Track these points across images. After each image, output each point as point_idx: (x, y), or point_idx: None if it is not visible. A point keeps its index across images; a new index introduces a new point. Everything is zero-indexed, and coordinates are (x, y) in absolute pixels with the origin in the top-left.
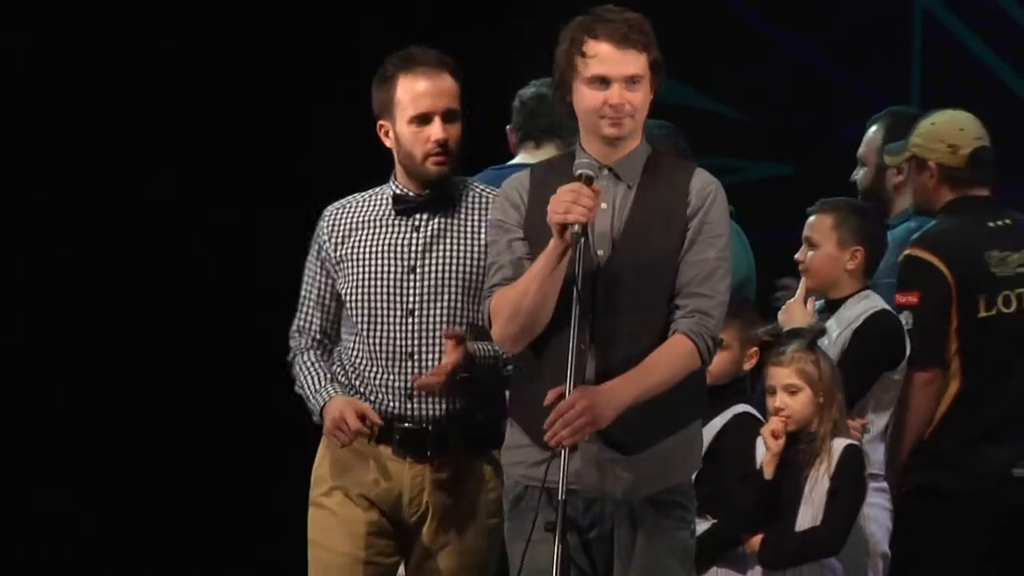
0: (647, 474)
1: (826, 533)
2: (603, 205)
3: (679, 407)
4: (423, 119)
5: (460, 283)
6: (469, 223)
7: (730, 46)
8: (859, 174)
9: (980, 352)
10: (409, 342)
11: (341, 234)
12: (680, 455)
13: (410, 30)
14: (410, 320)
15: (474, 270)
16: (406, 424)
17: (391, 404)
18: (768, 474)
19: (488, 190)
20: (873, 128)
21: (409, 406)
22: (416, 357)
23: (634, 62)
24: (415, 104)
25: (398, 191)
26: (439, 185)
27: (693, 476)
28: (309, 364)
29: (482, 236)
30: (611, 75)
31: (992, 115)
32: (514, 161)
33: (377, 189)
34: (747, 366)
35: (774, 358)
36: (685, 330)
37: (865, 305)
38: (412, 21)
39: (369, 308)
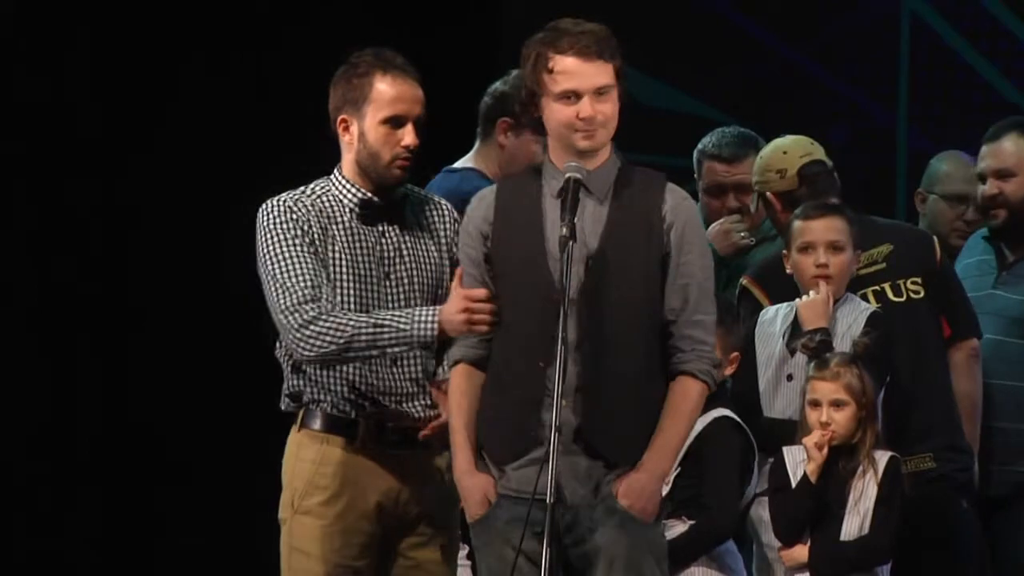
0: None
1: (879, 541)
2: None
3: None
4: (397, 121)
5: (428, 288)
6: (425, 229)
7: (718, 49)
8: (1003, 187)
9: None
10: None
11: (319, 228)
12: None
13: (399, 28)
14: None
15: (437, 275)
16: (396, 424)
17: (381, 407)
18: (814, 482)
19: (434, 197)
20: (1012, 137)
21: (400, 407)
22: (400, 362)
23: (602, 73)
24: (393, 105)
25: (361, 195)
26: (395, 189)
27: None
28: (356, 315)
29: (437, 242)
30: (581, 88)
31: (979, 117)
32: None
33: (317, 188)
34: (728, 371)
35: (817, 371)
36: (691, 371)
37: (859, 308)
38: (399, 19)
39: (346, 299)
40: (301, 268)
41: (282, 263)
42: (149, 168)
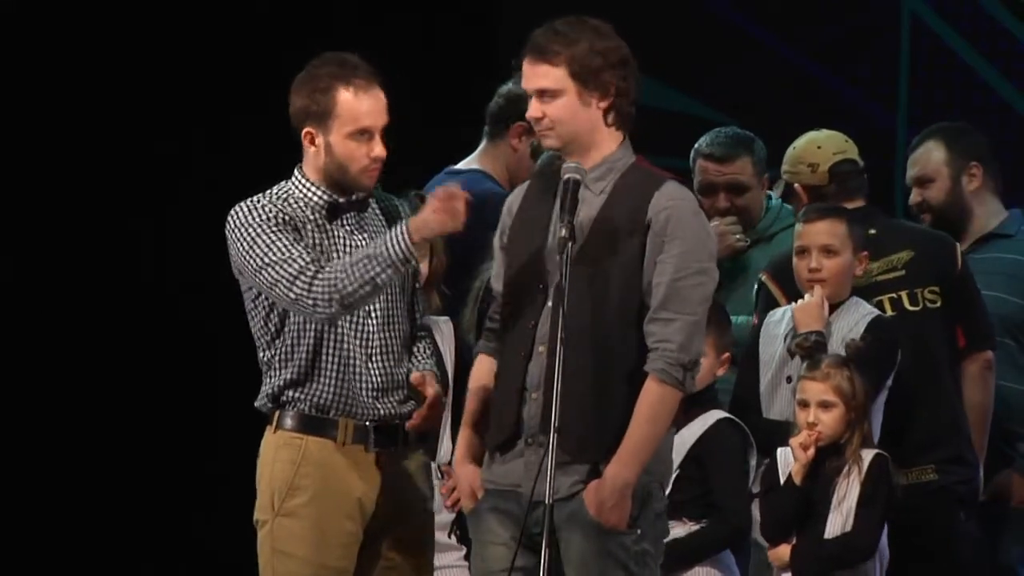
0: (593, 476)
1: (860, 539)
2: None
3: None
4: (364, 134)
5: (395, 284)
6: (387, 227)
7: (717, 49)
8: (924, 193)
9: None
10: (370, 343)
11: (301, 227)
12: None
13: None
14: (368, 322)
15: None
16: (377, 422)
17: (361, 405)
18: (799, 482)
19: (392, 197)
20: (927, 145)
21: (378, 404)
22: (376, 357)
23: (545, 76)
24: (358, 119)
25: (328, 197)
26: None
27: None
28: (338, 263)
29: None
30: (528, 89)
31: (979, 118)
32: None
33: (280, 192)
34: (720, 372)
35: (807, 372)
36: (651, 370)
37: (861, 311)
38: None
39: None
40: (293, 247)
41: (274, 247)
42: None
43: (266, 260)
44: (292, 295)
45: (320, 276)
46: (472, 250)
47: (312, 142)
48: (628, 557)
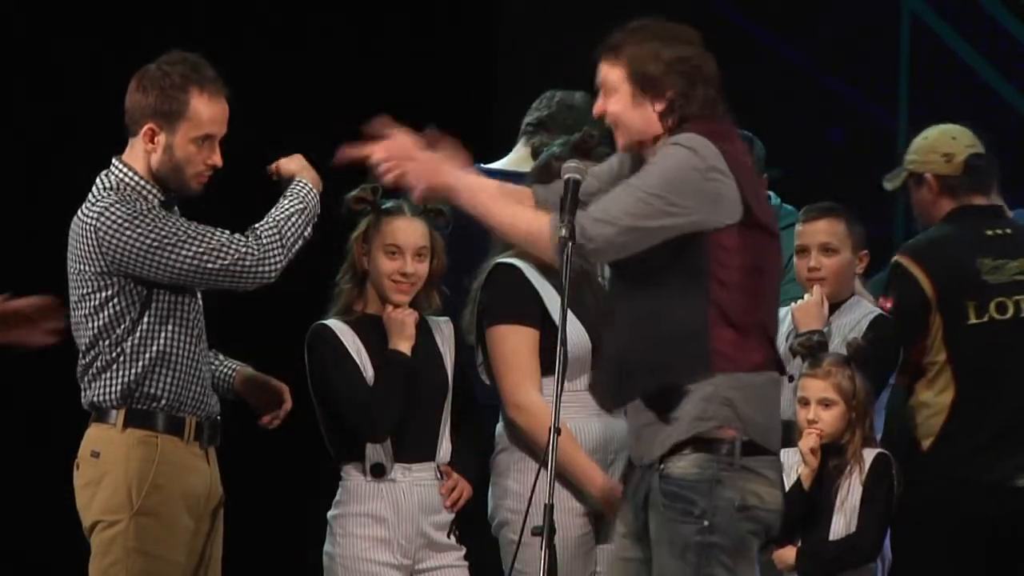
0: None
1: (863, 540)
2: None
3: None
4: (207, 140)
5: None
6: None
7: (717, 49)
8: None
9: (973, 360)
10: (202, 340)
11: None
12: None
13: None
14: (200, 319)
15: None
16: (210, 419)
17: (202, 403)
18: (807, 487)
19: None
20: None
21: (211, 402)
22: (206, 355)
23: (604, 73)
24: (208, 124)
25: (163, 196)
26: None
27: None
28: (269, 220)
29: None
30: (597, 84)
31: (978, 118)
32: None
33: (119, 187)
34: None
35: (808, 370)
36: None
37: (863, 310)
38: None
39: (183, 295)
40: (197, 225)
41: (179, 225)
42: None
43: (180, 237)
44: (231, 257)
45: (260, 236)
46: (472, 250)
47: (151, 140)
48: (687, 547)
